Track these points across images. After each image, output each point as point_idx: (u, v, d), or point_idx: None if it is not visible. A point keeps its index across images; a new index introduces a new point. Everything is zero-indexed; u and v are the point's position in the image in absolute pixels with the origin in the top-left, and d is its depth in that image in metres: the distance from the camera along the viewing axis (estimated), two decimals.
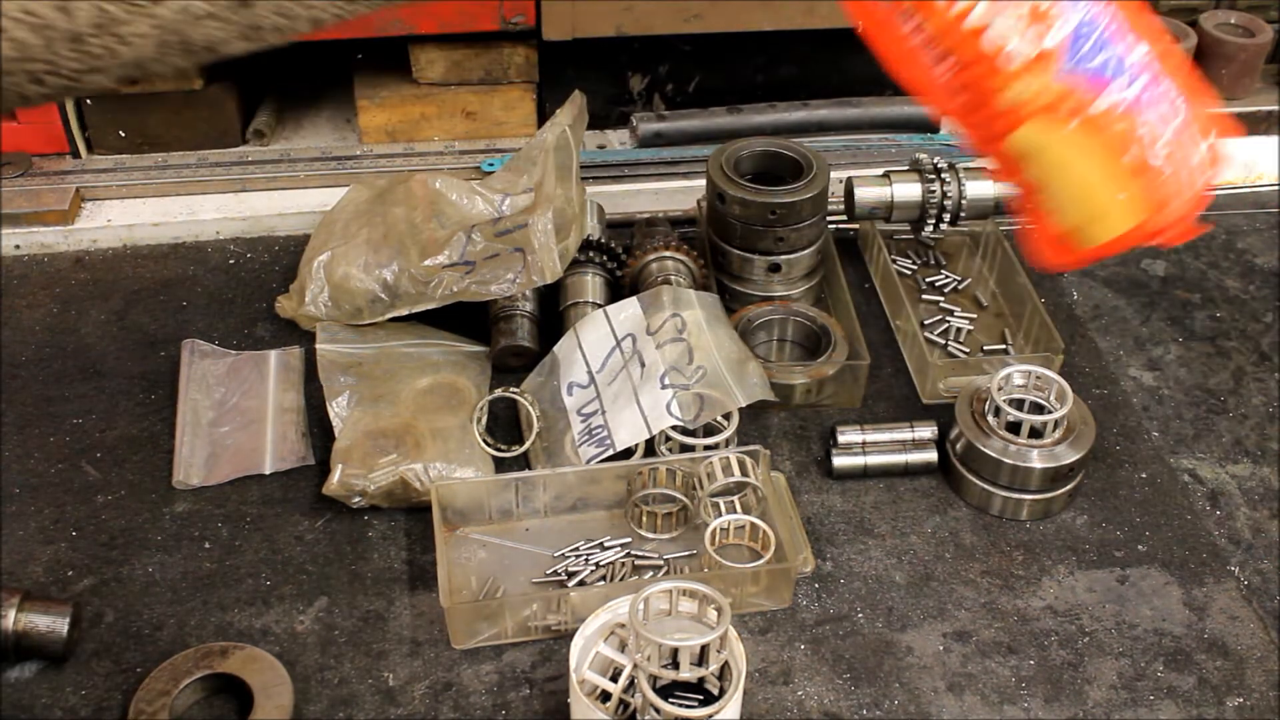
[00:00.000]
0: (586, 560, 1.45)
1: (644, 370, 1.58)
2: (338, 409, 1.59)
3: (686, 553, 1.49)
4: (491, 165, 2.01)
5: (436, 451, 1.52)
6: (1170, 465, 1.63)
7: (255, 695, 1.28)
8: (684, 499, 1.48)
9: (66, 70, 0.87)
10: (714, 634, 1.15)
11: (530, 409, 1.60)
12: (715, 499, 1.49)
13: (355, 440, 1.52)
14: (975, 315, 1.83)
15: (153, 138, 2.03)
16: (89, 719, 1.29)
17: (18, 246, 1.91)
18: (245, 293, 1.85)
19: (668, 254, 1.74)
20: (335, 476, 1.48)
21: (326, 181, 2.02)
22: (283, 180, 2.02)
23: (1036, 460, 1.51)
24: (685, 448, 1.53)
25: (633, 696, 1.21)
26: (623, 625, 1.24)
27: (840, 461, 1.57)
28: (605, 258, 1.77)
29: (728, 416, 1.54)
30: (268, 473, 1.56)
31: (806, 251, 1.77)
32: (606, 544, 1.48)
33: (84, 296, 1.83)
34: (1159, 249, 2.01)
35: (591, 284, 1.74)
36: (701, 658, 1.19)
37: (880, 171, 1.88)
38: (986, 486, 1.54)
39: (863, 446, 1.58)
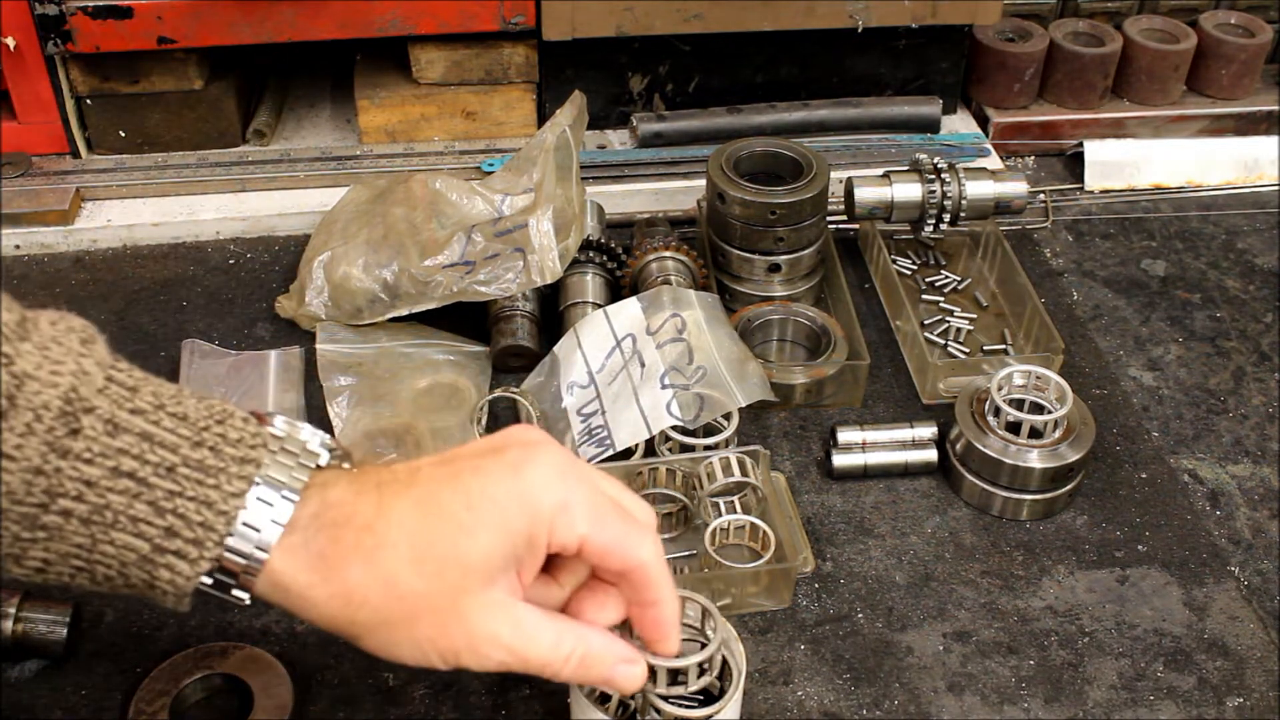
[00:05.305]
0: None
1: (644, 370, 1.58)
2: (338, 409, 1.59)
3: (686, 553, 1.48)
4: (491, 165, 2.01)
5: (436, 451, 1.51)
6: (1170, 465, 1.62)
7: (255, 695, 1.28)
8: (684, 499, 1.48)
9: None
10: (706, 653, 1.13)
11: (530, 409, 1.60)
12: (715, 499, 1.49)
13: (355, 440, 1.52)
14: (975, 315, 1.83)
15: (153, 138, 2.03)
16: (89, 719, 1.29)
17: (18, 246, 1.91)
18: (245, 293, 1.85)
19: (668, 254, 1.74)
20: None
21: (326, 181, 2.02)
22: (283, 180, 2.02)
23: (1036, 460, 1.51)
24: (685, 448, 1.52)
25: (632, 697, 1.21)
26: None
27: (840, 461, 1.57)
28: (605, 258, 1.77)
29: (728, 416, 1.54)
30: None
31: (807, 251, 1.77)
32: None
33: (84, 296, 1.83)
34: (1159, 248, 2.02)
35: (591, 284, 1.74)
36: (701, 663, 1.18)
37: (880, 171, 1.88)
38: (986, 486, 1.53)
39: (863, 446, 1.58)
